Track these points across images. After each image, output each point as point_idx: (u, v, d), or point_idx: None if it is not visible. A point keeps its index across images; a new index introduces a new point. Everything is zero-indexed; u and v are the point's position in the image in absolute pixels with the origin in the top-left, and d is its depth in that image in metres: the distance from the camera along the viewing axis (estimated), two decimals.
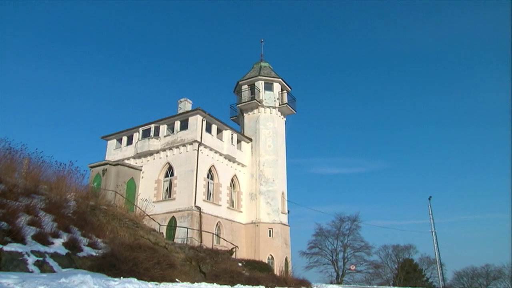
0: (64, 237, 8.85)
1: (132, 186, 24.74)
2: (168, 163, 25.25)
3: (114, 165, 24.23)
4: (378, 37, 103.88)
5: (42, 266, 7.34)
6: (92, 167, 24.39)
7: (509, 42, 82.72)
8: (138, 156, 26.63)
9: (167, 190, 24.96)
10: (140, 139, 26.75)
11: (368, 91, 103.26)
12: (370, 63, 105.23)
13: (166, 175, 25.34)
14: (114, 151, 28.37)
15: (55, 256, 7.93)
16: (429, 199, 31.88)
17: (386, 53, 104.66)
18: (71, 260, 8.29)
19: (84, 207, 11.62)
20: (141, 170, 25.94)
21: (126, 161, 26.52)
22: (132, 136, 27.78)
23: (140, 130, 27.08)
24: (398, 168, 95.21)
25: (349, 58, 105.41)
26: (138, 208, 17.18)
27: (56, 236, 8.69)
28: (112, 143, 28.92)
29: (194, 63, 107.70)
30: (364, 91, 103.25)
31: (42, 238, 8.11)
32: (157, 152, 25.92)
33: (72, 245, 8.67)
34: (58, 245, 8.36)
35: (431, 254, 50.26)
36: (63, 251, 8.29)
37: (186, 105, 28.24)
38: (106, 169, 23.60)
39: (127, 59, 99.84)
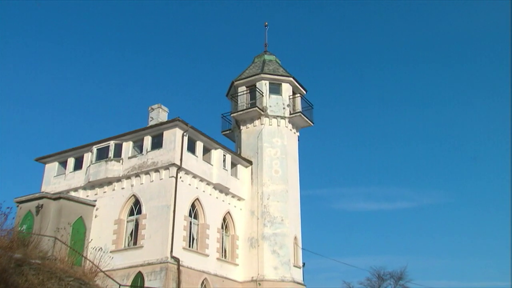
0: None
1: (80, 230, 24.59)
2: (134, 195, 25.17)
3: (55, 199, 24.21)
4: (419, 21, 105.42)
5: None
6: (20, 202, 24.40)
7: None
8: (91, 186, 26.54)
9: (131, 234, 24.77)
10: (93, 161, 26.61)
11: (415, 94, 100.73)
12: (414, 54, 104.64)
13: (131, 213, 25.22)
14: (55, 179, 28.37)
15: None
16: None
17: (435, 41, 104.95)
18: None
19: (5, 261, 11.27)
20: (94, 206, 25.88)
21: (73, 193, 26.52)
22: (82, 157, 27.70)
23: (94, 149, 26.92)
24: (465, 202, 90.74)
25: (387, 48, 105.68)
26: (88, 261, 17.20)
27: None
28: (52, 167, 28.90)
29: (170, 56, 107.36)
30: (410, 94, 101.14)
31: None
32: (119, 180, 25.85)
33: None
34: None
35: None
36: None
37: (160, 114, 28.35)
38: (42, 205, 23.60)
39: (75, 51, 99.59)
